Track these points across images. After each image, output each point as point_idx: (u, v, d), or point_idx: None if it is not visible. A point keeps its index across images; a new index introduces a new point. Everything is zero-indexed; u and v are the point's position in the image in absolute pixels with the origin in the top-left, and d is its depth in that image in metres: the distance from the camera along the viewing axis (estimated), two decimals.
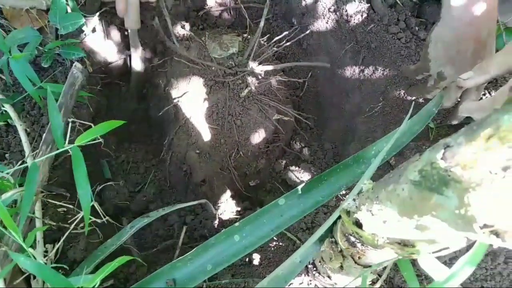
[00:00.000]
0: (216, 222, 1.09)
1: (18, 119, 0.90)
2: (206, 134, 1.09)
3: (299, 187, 0.61)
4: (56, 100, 0.82)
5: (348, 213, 0.53)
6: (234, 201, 1.17)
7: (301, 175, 1.16)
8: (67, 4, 1.02)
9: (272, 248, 0.90)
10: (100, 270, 0.53)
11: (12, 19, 1.10)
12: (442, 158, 0.36)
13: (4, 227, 0.69)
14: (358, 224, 0.50)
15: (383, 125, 1.07)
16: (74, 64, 0.82)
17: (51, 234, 0.87)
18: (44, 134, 0.75)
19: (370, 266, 0.56)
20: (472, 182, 0.33)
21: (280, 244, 0.90)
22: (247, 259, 0.89)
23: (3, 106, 0.94)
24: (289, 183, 1.18)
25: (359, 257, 0.55)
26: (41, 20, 1.08)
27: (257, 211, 0.60)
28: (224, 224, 1.09)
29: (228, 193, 1.16)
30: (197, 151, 1.10)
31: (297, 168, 1.19)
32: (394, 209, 0.43)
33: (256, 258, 0.88)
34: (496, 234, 0.32)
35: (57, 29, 1.06)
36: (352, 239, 0.53)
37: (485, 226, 0.33)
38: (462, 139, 0.35)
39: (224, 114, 1.07)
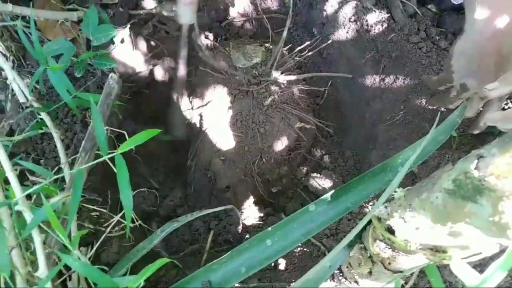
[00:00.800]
0: (240, 227, 1.11)
1: (54, 127, 0.94)
2: (230, 142, 1.12)
3: (329, 194, 0.63)
4: None
5: (379, 219, 0.55)
6: (257, 207, 1.19)
7: (322, 182, 1.18)
8: (99, 17, 1.06)
9: (297, 254, 0.92)
10: (143, 271, 0.56)
11: (46, 31, 1.15)
12: (475, 168, 0.38)
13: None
14: (390, 230, 0.52)
15: (405, 133, 1.09)
16: (110, 75, 0.86)
17: (85, 237, 0.91)
18: (83, 142, 0.79)
19: (399, 272, 0.58)
20: (506, 191, 0.35)
21: (305, 249, 0.92)
22: (273, 264, 0.92)
23: (39, 114, 0.99)
24: (311, 190, 1.20)
25: (389, 263, 0.57)
26: (73, 31, 1.13)
27: (288, 217, 0.63)
28: (248, 229, 1.12)
29: (251, 199, 1.19)
30: (222, 158, 1.13)
31: (318, 175, 1.21)
32: (427, 216, 0.45)
33: (282, 263, 0.91)
34: None
35: (88, 40, 1.10)
36: (383, 245, 0.55)
37: None
38: (496, 150, 0.37)
39: (248, 122, 1.10)
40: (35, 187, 0.63)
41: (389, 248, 0.54)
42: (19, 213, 0.62)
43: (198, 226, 1.12)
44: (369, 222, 0.61)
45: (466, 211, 0.39)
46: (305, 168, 1.24)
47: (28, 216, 0.61)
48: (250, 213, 1.18)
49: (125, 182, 0.62)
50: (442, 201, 0.42)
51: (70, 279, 0.80)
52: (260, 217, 1.17)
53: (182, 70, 1.18)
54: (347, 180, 1.20)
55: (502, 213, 0.35)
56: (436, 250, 0.47)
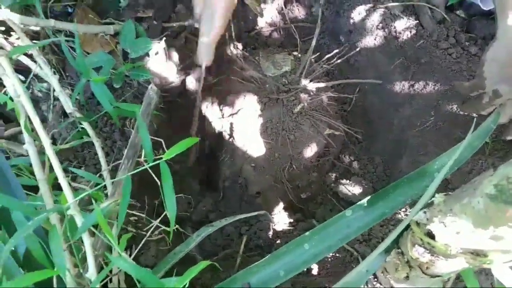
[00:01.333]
0: (271, 233, 1.13)
1: (95, 136, 0.99)
2: (260, 149, 1.14)
3: (365, 200, 0.65)
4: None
5: (418, 224, 0.56)
6: (287, 213, 1.21)
7: (352, 188, 1.19)
8: (136, 30, 1.11)
9: (330, 259, 0.94)
10: (187, 272, 0.59)
11: (84, 44, 1.21)
12: None
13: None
14: (430, 235, 0.53)
15: (435, 139, 1.09)
16: (150, 87, 0.90)
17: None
18: (126, 149, 0.83)
19: (437, 276, 0.59)
20: None
21: (338, 255, 0.94)
22: (305, 269, 0.93)
23: (80, 124, 1.04)
24: (341, 196, 1.21)
25: (427, 267, 0.58)
26: (111, 44, 1.19)
27: (325, 222, 0.65)
28: (278, 234, 1.14)
29: (281, 205, 1.21)
30: (252, 165, 1.15)
31: (347, 181, 1.22)
32: (468, 220, 0.46)
33: (315, 268, 0.92)
34: None
35: (125, 52, 1.16)
36: (422, 249, 0.56)
37: None
38: None
39: (278, 129, 1.12)
40: (86, 192, 0.67)
41: (428, 253, 0.55)
42: (70, 218, 0.66)
43: (230, 231, 1.14)
44: (406, 227, 0.62)
45: (508, 216, 0.40)
46: (335, 174, 1.25)
47: (79, 220, 0.65)
48: (280, 219, 1.20)
49: (169, 188, 0.65)
50: (483, 206, 0.43)
51: (111, 281, 0.84)
52: (290, 222, 1.19)
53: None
54: (377, 186, 1.20)
55: None
56: (477, 254, 0.48)
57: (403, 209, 0.95)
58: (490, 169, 0.45)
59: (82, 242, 0.70)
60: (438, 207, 0.51)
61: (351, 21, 1.32)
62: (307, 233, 0.64)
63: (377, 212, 0.63)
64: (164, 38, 1.16)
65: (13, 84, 0.77)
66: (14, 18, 0.94)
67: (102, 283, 0.80)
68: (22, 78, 1.02)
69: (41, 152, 0.90)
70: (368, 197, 0.65)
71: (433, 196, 0.62)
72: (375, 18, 1.27)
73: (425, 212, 0.54)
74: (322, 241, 0.63)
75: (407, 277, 0.63)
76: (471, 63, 1.11)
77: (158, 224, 0.93)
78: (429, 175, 0.64)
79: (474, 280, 0.60)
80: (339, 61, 1.22)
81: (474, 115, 1.03)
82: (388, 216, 0.64)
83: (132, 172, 0.70)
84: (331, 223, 0.64)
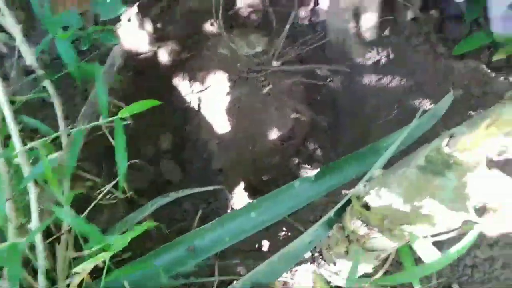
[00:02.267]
0: (229, 211, 1.14)
1: (56, 95, 0.97)
2: (226, 126, 1.15)
3: (314, 172, 0.66)
4: None
5: (358, 198, 0.57)
6: (247, 193, 1.21)
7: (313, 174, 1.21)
8: None
9: (281, 238, 0.95)
10: (130, 232, 0.59)
11: (58, 2, 1.18)
12: (447, 145, 0.41)
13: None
14: (366, 207, 0.55)
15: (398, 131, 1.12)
16: (115, 46, 0.89)
17: (77, 204, 0.93)
18: (83, 108, 0.82)
19: (374, 251, 0.61)
20: (471, 164, 0.37)
21: (289, 234, 0.95)
22: (256, 245, 0.94)
23: (42, 82, 1.02)
24: None
25: (364, 242, 0.60)
26: (82, 6, 1.16)
27: (273, 191, 0.66)
28: None
29: (242, 184, 1.21)
30: (217, 141, 1.16)
31: (309, 167, 1.24)
32: (400, 191, 0.47)
33: (266, 245, 0.93)
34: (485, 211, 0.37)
35: (95, 16, 1.13)
36: (360, 222, 0.57)
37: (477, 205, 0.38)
38: (465, 128, 0.40)
39: (245, 108, 1.13)
40: (35, 142, 0.66)
41: (365, 226, 0.57)
42: (17, 167, 0.64)
43: (187, 207, 1.15)
44: (349, 203, 0.64)
45: (435, 185, 0.42)
46: (297, 160, 1.27)
47: (26, 170, 0.63)
48: (239, 199, 1.21)
49: (121, 146, 0.64)
50: (415, 177, 0.45)
51: (59, 244, 0.82)
52: (249, 203, 1.20)
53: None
54: None
55: (465, 185, 0.38)
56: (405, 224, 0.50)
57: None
58: (426, 144, 0.47)
59: (28, 194, 0.69)
60: (376, 180, 0.53)
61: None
62: (254, 201, 0.65)
63: (324, 185, 0.65)
64: (138, 3, 1.14)
65: None
66: None
67: (48, 242, 0.79)
68: None
69: None
70: (316, 171, 0.66)
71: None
72: (352, 9, 1.28)
73: (364, 186, 0.56)
74: (269, 209, 0.64)
75: (346, 252, 0.65)
76: (437, 61, 1.14)
77: (113, 189, 0.92)
78: (378, 152, 0.66)
79: (410, 256, 0.63)
80: (312, 47, 1.23)
81: (428, 106, 1.07)
82: (334, 188, 0.66)
83: (86, 126, 0.69)
84: (279, 192, 0.65)
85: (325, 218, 0.63)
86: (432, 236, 0.49)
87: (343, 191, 0.91)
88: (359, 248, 0.61)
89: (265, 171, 1.25)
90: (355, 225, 0.58)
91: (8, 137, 0.85)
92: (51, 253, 0.82)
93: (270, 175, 1.25)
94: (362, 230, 0.57)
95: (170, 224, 1.12)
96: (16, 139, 0.64)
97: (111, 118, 0.66)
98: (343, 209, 0.63)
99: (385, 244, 0.58)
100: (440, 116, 0.74)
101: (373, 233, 0.56)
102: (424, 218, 0.46)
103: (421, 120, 0.70)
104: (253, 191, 1.25)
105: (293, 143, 1.25)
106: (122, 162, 0.65)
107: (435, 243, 0.50)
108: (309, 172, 1.23)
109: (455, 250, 0.46)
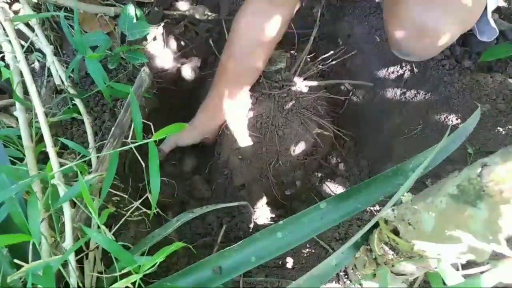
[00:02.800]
0: (251, 225, 1.15)
1: (85, 113, 1.00)
2: (249, 142, 1.16)
3: (340, 194, 0.66)
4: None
5: (386, 222, 0.57)
6: (269, 208, 1.22)
7: (336, 189, 1.21)
8: (135, 14, 1.12)
9: (305, 255, 0.95)
10: (159, 252, 0.60)
11: (84, 23, 1.23)
12: (479, 175, 0.41)
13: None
14: (395, 232, 0.55)
15: (421, 147, 1.10)
16: (143, 69, 0.91)
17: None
18: (113, 128, 0.84)
19: (403, 275, 0.60)
20: (503, 196, 0.37)
21: (313, 251, 0.95)
22: (280, 262, 0.94)
23: (72, 101, 1.05)
24: (324, 196, 1.22)
25: (393, 265, 0.59)
26: (109, 25, 1.20)
27: (299, 212, 0.66)
28: (259, 228, 1.15)
29: (264, 199, 1.22)
30: (240, 157, 1.17)
31: (332, 182, 1.23)
32: (430, 219, 0.47)
33: (290, 262, 0.93)
34: None
35: (123, 35, 1.17)
36: (388, 247, 0.57)
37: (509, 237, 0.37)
38: (499, 159, 0.39)
39: (267, 124, 1.13)
40: (71, 163, 0.69)
41: (393, 250, 0.57)
42: (53, 187, 0.67)
43: (211, 221, 1.16)
44: (377, 225, 0.64)
45: (466, 215, 0.41)
46: (320, 174, 1.27)
47: (62, 190, 0.66)
48: (262, 213, 1.22)
49: (155, 169, 0.66)
50: (445, 205, 0.45)
51: (87, 258, 0.85)
52: (272, 217, 1.21)
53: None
54: None
55: (498, 217, 0.37)
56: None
57: (378, 208, 0.97)
58: (456, 171, 0.47)
59: (63, 213, 0.72)
60: (405, 205, 0.53)
61: (350, 25, 1.33)
62: (280, 221, 0.65)
63: (351, 206, 0.65)
64: (163, 24, 1.17)
65: (14, 50, 0.78)
66: None
67: (77, 258, 0.81)
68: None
69: (30, 125, 0.91)
70: (343, 191, 0.66)
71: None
72: (374, 24, 1.28)
73: (393, 210, 0.56)
74: (295, 230, 0.65)
75: (374, 275, 0.65)
76: (462, 75, 1.12)
77: (140, 206, 0.94)
78: (404, 174, 0.66)
79: (440, 281, 0.62)
80: (334, 62, 1.23)
81: (455, 121, 1.05)
82: (361, 210, 0.66)
83: (119, 149, 0.71)
84: (305, 214, 0.65)
85: (351, 241, 0.63)
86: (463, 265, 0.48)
87: (368, 208, 0.91)
88: (387, 272, 0.61)
89: (288, 186, 1.25)
90: (384, 249, 0.58)
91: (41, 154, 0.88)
92: (80, 268, 0.84)
93: (292, 190, 1.26)
94: (391, 254, 0.57)
95: (193, 238, 1.13)
96: (54, 161, 0.67)
97: (145, 141, 0.68)
98: (370, 231, 0.63)
99: (414, 268, 0.58)
100: (469, 134, 0.73)
101: (402, 258, 0.56)
102: (454, 247, 0.45)
103: (449, 139, 0.69)
104: (276, 205, 1.26)
105: (316, 158, 1.25)
106: (155, 186, 0.67)
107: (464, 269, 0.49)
108: (331, 186, 1.23)
109: (482, 278, 0.45)
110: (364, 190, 0.66)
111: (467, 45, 1.25)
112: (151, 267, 0.58)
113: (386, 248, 0.57)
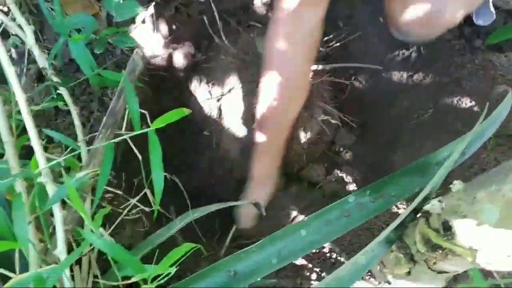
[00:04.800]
0: None
1: (72, 103, 0.90)
2: (249, 132, 1.08)
3: (369, 186, 0.59)
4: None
5: (429, 215, 0.51)
6: None
7: (342, 177, 1.15)
8: None
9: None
10: (170, 254, 0.52)
11: (65, 5, 1.12)
12: None
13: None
14: (446, 227, 0.48)
15: (433, 132, 1.05)
16: (135, 51, 0.82)
17: None
18: (105, 118, 0.75)
19: (444, 272, 0.54)
20: None
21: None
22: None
23: (56, 89, 0.95)
24: (329, 186, 1.16)
25: (434, 263, 0.53)
26: (94, 6, 1.10)
27: (326, 207, 0.59)
28: None
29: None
30: (240, 148, 1.09)
31: (337, 171, 1.17)
32: (495, 210, 0.41)
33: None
34: None
35: (109, 20, 1.07)
36: (431, 243, 0.51)
37: None
38: None
39: None
40: (59, 158, 0.59)
41: (439, 247, 0.50)
42: (40, 186, 0.58)
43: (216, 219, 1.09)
44: (412, 219, 0.57)
45: None
46: (326, 163, 1.21)
47: (50, 189, 0.57)
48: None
49: (158, 160, 0.58)
50: None
51: (80, 263, 0.76)
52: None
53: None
54: (368, 177, 1.16)
55: None
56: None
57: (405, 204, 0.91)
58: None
59: (52, 215, 0.63)
60: (457, 195, 0.46)
61: (352, 5, 1.26)
62: (305, 218, 0.58)
63: (382, 199, 0.58)
64: (153, 3, 1.07)
65: None
66: None
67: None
68: None
69: (9, 117, 0.81)
70: (372, 184, 0.59)
71: (437, 188, 0.58)
72: (378, 4, 1.21)
73: (440, 201, 0.49)
74: (321, 228, 0.58)
75: (409, 273, 0.58)
76: (474, 56, 1.07)
77: (136, 203, 0.86)
78: (440, 164, 0.59)
79: (480, 278, 0.56)
80: (337, 44, 1.16)
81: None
82: (395, 203, 0.59)
83: (113, 141, 0.62)
84: (332, 209, 0.58)
85: (382, 235, 0.56)
86: None
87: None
88: (425, 270, 0.54)
89: (292, 176, 1.18)
90: (430, 244, 0.51)
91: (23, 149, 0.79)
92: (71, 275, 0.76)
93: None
94: (438, 251, 0.50)
95: (197, 236, 1.06)
96: (40, 156, 0.58)
97: (145, 130, 0.59)
98: (404, 226, 0.56)
99: (458, 265, 0.52)
100: (501, 122, 0.66)
101: (450, 254, 0.49)
102: None
103: (479, 128, 0.61)
104: None
105: (321, 146, 1.18)
106: (158, 178, 0.58)
107: None
108: (338, 175, 1.17)
109: None
110: (395, 181, 0.59)
111: (474, 24, 1.20)
112: (165, 276, 0.50)
113: (431, 244, 0.51)
